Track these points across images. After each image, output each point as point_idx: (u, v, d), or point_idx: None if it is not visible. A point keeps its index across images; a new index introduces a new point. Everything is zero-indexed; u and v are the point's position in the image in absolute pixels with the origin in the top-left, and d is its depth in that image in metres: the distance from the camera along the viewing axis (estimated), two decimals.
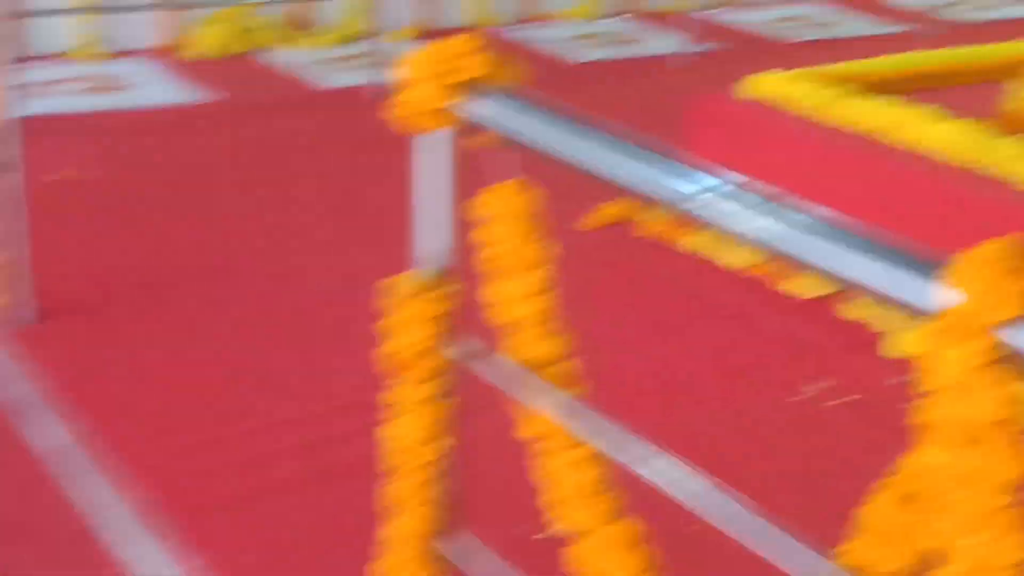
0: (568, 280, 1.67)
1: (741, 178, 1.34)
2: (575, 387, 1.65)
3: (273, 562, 2.42)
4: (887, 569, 1.26)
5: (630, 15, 7.22)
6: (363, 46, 6.00)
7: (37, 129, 3.30)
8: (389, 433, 1.74)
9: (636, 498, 1.65)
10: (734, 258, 3.82)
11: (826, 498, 2.67)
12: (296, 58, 6.08)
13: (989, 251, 1.06)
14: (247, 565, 2.41)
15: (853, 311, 3.51)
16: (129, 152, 4.68)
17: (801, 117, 3.94)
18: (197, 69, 5.83)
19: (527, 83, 1.63)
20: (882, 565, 1.26)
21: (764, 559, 1.36)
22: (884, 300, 1.17)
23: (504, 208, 1.63)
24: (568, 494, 1.66)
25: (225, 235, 3.96)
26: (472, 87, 1.59)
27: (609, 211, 4.09)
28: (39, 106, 3.27)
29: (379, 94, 5.46)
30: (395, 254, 3.80)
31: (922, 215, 3.32)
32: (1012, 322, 1.05)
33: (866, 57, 4.50)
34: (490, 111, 1.57)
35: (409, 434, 1.72)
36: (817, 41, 6.84)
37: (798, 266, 1.28)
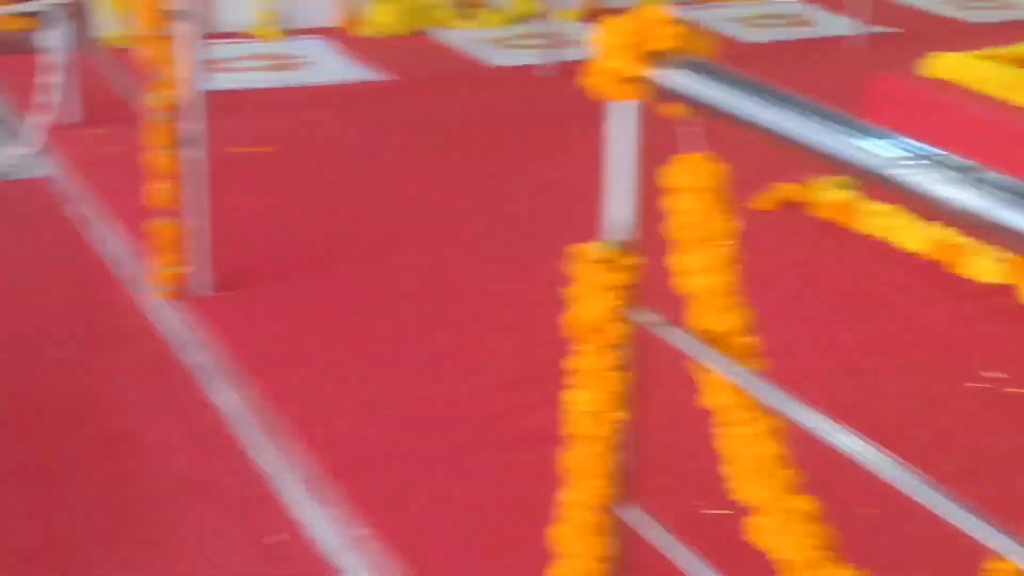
0: (742, 258, 1.66)
1: (938, 148, 1.31)
2: (756, 361, 1.64)
3: (443, 528, 2.45)
4: None
5: None
6: (533, 26, 6.03)
7: (218, 104, 3.39)
8: (570, 401, 1.75)
9: (811, 477, 1.63)
10: (910, 241, 3.74)
11: (1003, 485, 2.61)
12: (467, 37, 6.13)
13: None
14: (417, 531, 2.45)
15: None
16: (305, 128, 4.78)
17: (984, 96, 3.83)
18: (370, 47, 5.92)
19: (718, 56, 1.63)
20: None
21: (941, 542, 1.33)
22: None
23: (692, 179, 1.63)
24: (747, 467, 1.65)
25: (398, 208, 4.03)
26: (664, 58, 1.59)
27: (782, 192, 4.04)
28: (220, 82, 3.37)
29: (549, 72, 5.48)
30: (565, 227, 3.82)
31: None
32: None
33: None
34: (682, 81, 1.57)
35: (590, 403, 1.73)
36: (995, 24, 6.64)
37: (998, 236, 1.24)
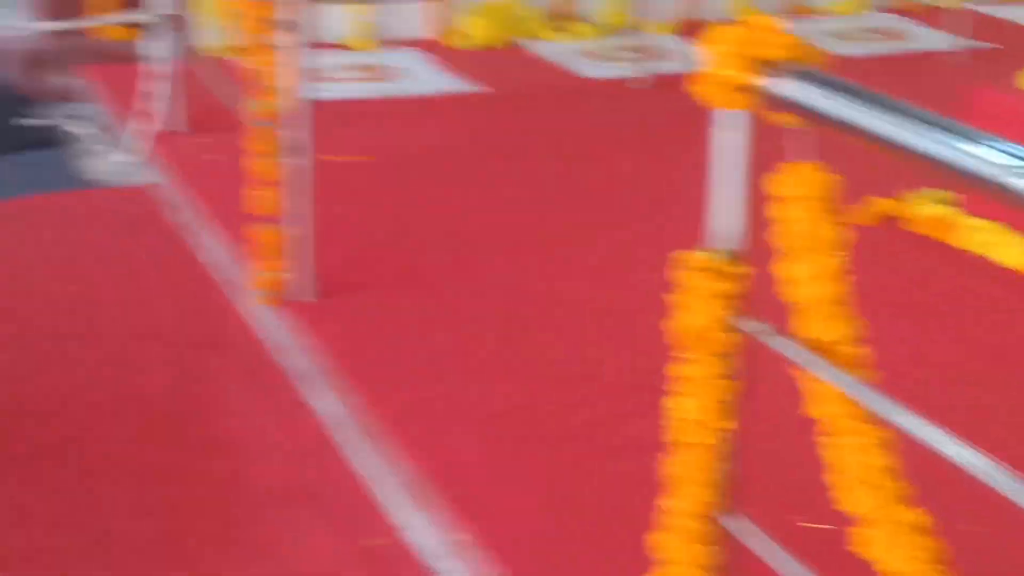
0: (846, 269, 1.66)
1: None
2: (864, 372, 1.64)
3: (543, 535, 2.47)
4: None
5: (898, 11, 7.04)
6: (625, 38, 6.05)
7: (317, 113, 3.44)
8: (674, 408, 1.76)
9: (919, 489, 1.63)
10: (1009, 256, 3.70)
11: None
12: (560, 49, 6.16)
13: None
14: (516, 537, 2.47)
15: None
16: (400, 138, 4.83)
17: None
18: (463, 59, 5.97)
19: (827, 66, 1.63)
20: None
21: None
22: None
23: (801, 188, 1.63)
24: (854, 478, 1.65)
25: (495, 217, 4.06)
26: (776, 67, 1.60)
27: (879, 206, 4.01)
28: (319, 91, 3.43)
29: (642, 85, 5.49)
30: (662, 236, 3.82)
31: None
32: None
33: None
34: (794, 90, 1.57)
35: (695, 410, 1.74)
36: None
37: None
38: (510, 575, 2.36)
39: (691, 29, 6.27)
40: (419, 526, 2.62)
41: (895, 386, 1.64)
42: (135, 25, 5.17)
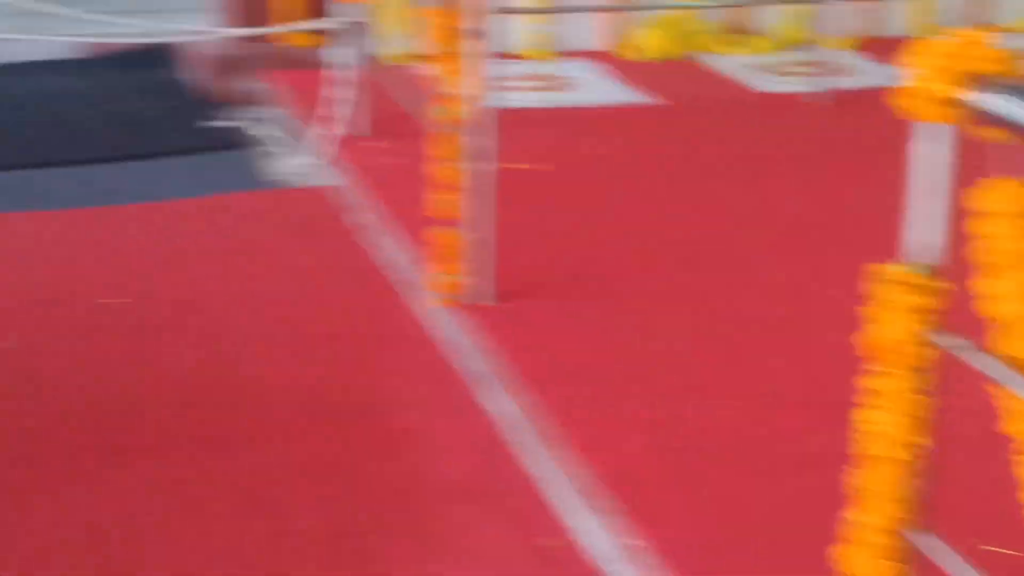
0: None
1: None
2: None
3: (718, 544, 2.47)
4: None
5: None
6: (802, 54, 5.99)
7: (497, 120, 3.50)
8: (865, 422, 1.75)
9: None
10: None
11: None
12: (734, 63, 6.14)
13: None
14: (691, 545, 2.47)
15: None
16: (576, 147, 4.88)
17: None
18: (638, 71, 5.99)
19: None
20: None
21: None
22: None
23: (1006, 204, 1.61)
24: None
25: (675, 229, 4.07)
26: (984, 81, 1.58)
27: None
28: (500, 100, 3.50)
29: (819, 100, 5.44)
30: (842, 250, 3.77)
31: None
32: None
33: None
34: (1003, 105, 1.56)
35: (888, 425, 1.73)
36: None
37: None
38: None
39: (869, 45, 6.19)
40: (592, 529, 2.64)
41: None
42: (320, 32, 5.31)
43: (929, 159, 1.68)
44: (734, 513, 2.55)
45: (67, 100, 5.84)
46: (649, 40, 6.24)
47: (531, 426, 2.98)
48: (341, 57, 4.86)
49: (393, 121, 4.83)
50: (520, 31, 6.04)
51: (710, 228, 4.08)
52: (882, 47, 6.15)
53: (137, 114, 5.68)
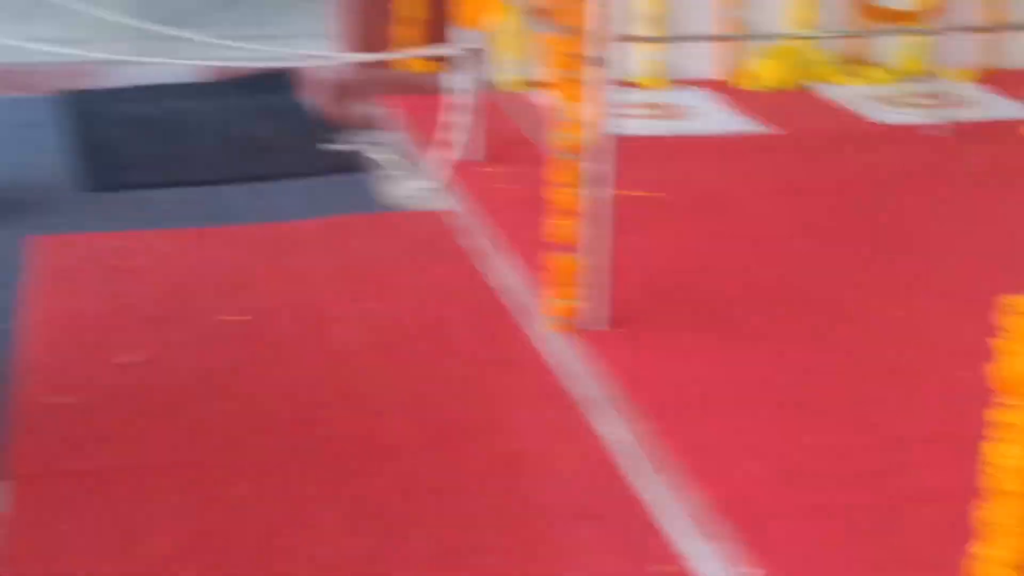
0: None
1: None
2: None
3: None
4: None
5: None
6: (921, 85, 5.93)
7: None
8: (995, 455, 1.73)
9: None
10: None
11: None
12: (851, 93, 6.08)
13: None
14: None
15: None
16: (691, 176, 4.87)
17: None
18: (753, 100, 5.97)
19: None
20: None
21: None
22: None
23: None
24: None
25: (783, 258, 4.05)
26: None
27: None
28: (617, 127, 3.53)
29: (938, 132, 5.37)
30: (967, 286, 3.72)
31: None
32: None
33: None
34: None
35: (1017, 459, 1.71)
36: None
37: None
38: None
39: (990, 77, 6.11)
40: (706, 557, 2.64)
41: None
42: (438, 59, 5.39)
43: None
44: (854, 545, 2.53)
45: (192, 122, 5.98)
46: (765, 69, 6.22)
47: (644, 452, 2.98)
48: (459, 83, 4.92)
49: (507, 147, 4.87)
50: (635, 59, 6.06)
51: (827, 259, 4.05)
52: (1004, 79, 6.07)
53: (258, 137, 5.80)
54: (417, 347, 3.70)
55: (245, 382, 3.46)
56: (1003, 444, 1.71)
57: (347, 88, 5.99)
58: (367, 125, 5.81)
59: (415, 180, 5.10)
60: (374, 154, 5.53)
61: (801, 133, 5.51)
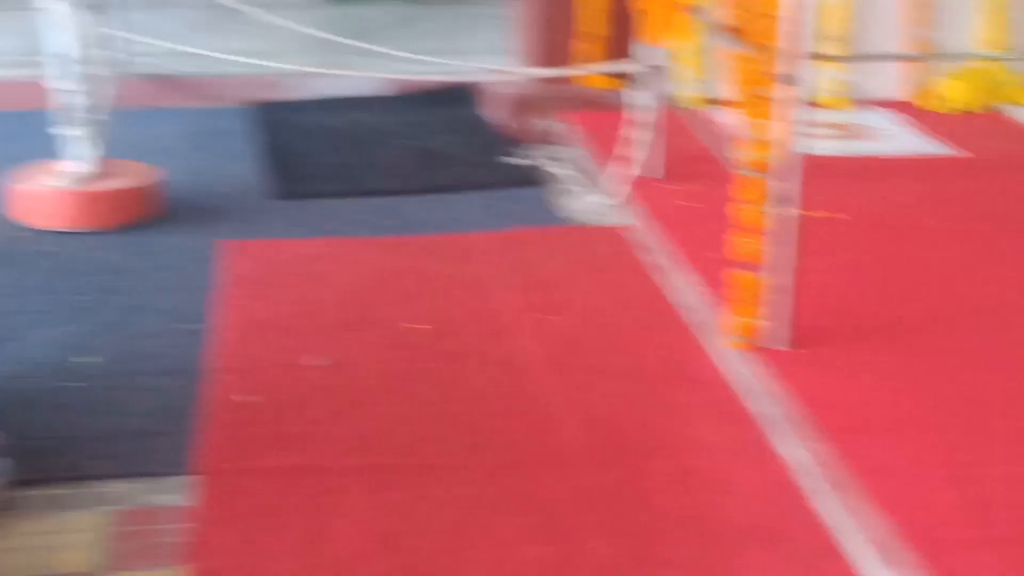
0: None
1: None
2: None
3: None
4: None
5: None
6: None
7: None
8: None
9: None
10: None
11: None
12: None
13: None
14: None
15: None
16: (875, 198, 4.80)
17: None
18: (940, 122, 5.86)
19: None
20: None
21: None
22: None
23: None
24: None
25: (967, 282, 3.97)
26: None
27: None
28: (804, 146, 3.51)
29: None
30: None
31: None
32: None
33: None
34: None
35: None
36: None
37: None
38: None
39: None
40: None
41: None
42: (619, 75, 5.41)
43: None
44: None
45: (376, 133, 6.11)
46: (953, 90, 6.09)
47: (825, 473, 2.94)
48: (639, 100, 4.93)
49: (685, 164, 4.87)
50: (819, 78, 6.00)
51: (1014, 284, 3.95)
52: None
53: (440, 149, 5.89)
54: (594, 360, 3.72)
55: (425, 388, 3.52)
56: None
57: (528, 103, 6.05)
58: (547, 140, 5.87)
59: (594, 195, 5.13)
60: (553, 168, 5.58)
61: (989, 156, 5.38)
